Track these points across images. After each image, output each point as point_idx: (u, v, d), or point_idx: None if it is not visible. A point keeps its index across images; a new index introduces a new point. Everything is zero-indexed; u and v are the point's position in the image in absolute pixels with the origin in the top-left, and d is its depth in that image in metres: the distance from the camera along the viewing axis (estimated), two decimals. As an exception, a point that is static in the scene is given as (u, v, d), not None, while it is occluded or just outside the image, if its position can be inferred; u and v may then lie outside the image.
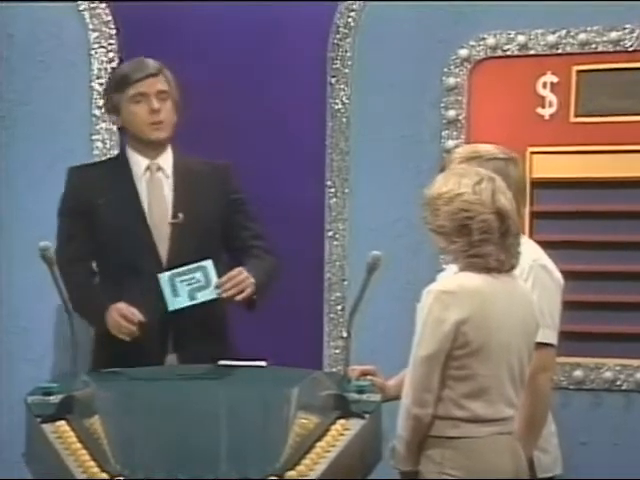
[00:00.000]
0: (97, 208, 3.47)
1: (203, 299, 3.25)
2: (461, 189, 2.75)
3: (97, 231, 3.47)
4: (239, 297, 3.35)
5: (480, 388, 2.74)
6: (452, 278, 2.80)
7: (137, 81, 3.47)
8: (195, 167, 3.54)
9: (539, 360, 2.96)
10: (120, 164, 3.55)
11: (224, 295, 3.32)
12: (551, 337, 3.02)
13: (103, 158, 3.98)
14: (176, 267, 3.39)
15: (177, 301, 3.23)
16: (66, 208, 3.54)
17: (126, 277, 3.44)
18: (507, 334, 2.76)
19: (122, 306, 3.34)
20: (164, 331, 3.42)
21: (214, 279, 3.28)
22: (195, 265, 3.26)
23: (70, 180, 3.57)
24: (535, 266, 3.02)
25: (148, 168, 3.52)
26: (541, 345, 2.97)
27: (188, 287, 3.23)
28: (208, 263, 3.26)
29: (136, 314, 3.32)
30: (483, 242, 2.73)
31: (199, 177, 3.52)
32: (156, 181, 3.51)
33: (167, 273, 3.23)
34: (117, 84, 3.51)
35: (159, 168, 3.53)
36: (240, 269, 3.36)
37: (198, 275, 3.24)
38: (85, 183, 3.54)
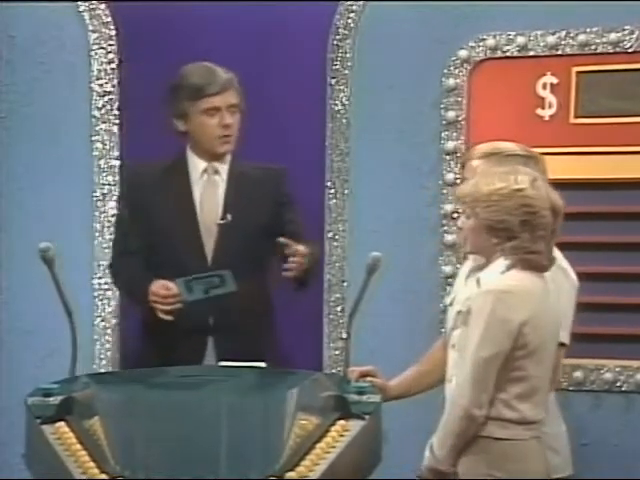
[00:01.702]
0: (151, 206, 3.52)
1: (217, 293, 3.27)
2: (520, 185, 2.76)
3: (150, 227, 3.53)
4: (292, 273, 3.36)
5: (532, 389, 2.76)
6: (508, 278, 2.78)
7: (212, 95, 3.49)
8: (250, 171, 3.59)
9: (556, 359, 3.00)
10: (179, 165, 3.58)
11: (287, 268, 3.34)
12: (564, 337, 3.05)
13: (103, 159, 4.01)
14: (220, 267, 3.43)
15: (190, 296, 3.26)
16: (126, 202, 3.62)
17: (171, 273, 3.45)
18: (551, 334, 2.81)
19: (160, 283, 3.39)
20: (202, 332, 3.45)
21: (230, 283, 3.29)
22: (213, 273, 3.31)
23: (130, 176, 3.65)
24: (555, 270, 3.03)
25: (205, 170, 3.57)
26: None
27: (204, 286, 3.26)
28: (227, 272, 3.28)
29: (172, 287, 3.36)
30: (540, 239, 2.75)
31: (252, 181, 3.56)
32: (211, 183, 3.56)
33: (181, 278, 3.26)
34: (188, 93, 3.51)
35: (216, 171, 3.57)
36: (305, 248, 3.37)
37: (215, 279, 3.27)
38: (141, 181, 3.59)
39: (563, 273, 3.08)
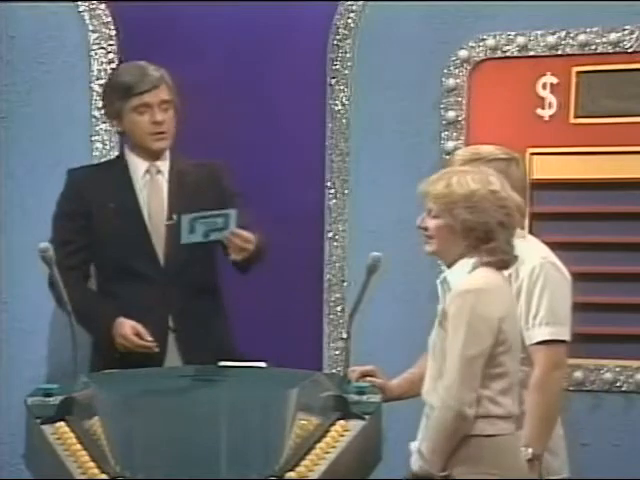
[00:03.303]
0: (95, 210, 3.49)
1: (215, 238, 3.29)
2: (493, 186, 2.77)
3: (95, 233, 3.49)
4: (237, 256, 3.35)
5: (510, 384, 2.77)
6: (478, 276, 2.78)
7: (142, 92, 3.47)
8: (190, 169, 3.56)
9: (552, 357, 3.01)
10: (119, 166, 3.56)
11: (228, 245, 3.33)
12: (564, 334, 3.04)
13: (103, 159, 3.99)
14: (173, 269, 3.43)
15: (191, 237, 3.25)
16: (64, 211, 3.55)
17: (123, 279, 3.46)
18: (520, 331, 2.85)
19: (129, 327, 3.37)
20: (162, 334, 3.43)
21: (232, 227, 3.29)
22: (219, 212, 3.29)
23: (69, 182, 3.58)
24: (546, 264, 3.05)
25: (148, 171, 3.54)
26: (554, 342, 3.01)
27: (205, 227, 3.26)
28: (232, 212, 3.28)
29: (142, 332, 3.37)
30: (511, 238, 2.78)
31: (194, 178, 3.53)
32: (156, 184, 3.53)
33: (190, 215, 3.25)
34: (119, 92, 3.51)
35: (158, 171, 3.55)
36: (250, 234, 3.36)
37: (219, 220, 3.26)
38: (84, 185, 3.56)
39: (555, 269, 3.08)
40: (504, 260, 2.78)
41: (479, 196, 2.75)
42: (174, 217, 3.45)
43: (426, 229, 2.84)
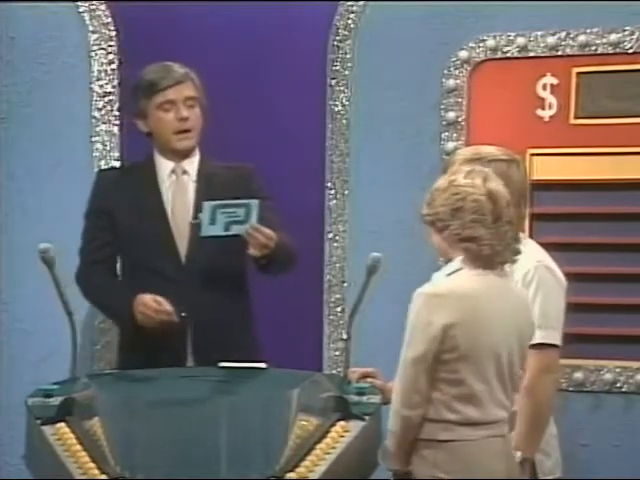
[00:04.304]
0: (120, 209, 3.51)
1: (235, 232, 3.28)
2: (452, 177, 2.80)
3: (119, 232, 3.52)
4: (256, 252, 3.34)
5: (470, 392, 2.73)
6: (445, 280, 2.81)
7: (165, 88, 3.49)
8: (219, 171, 3.57)
9: (543, 361, 2.99)
10: (147, 167, 3.58)
11: (249, 240, 3.31)
12: (555, 338, 3.03)
13: (103, 160, 4.01)
14: (194, 268, 3.44)
15: (211, 229, 3.25)
16: (91, 209, 3.59)
17: (146, 278, 3.47)
18: (497, 336, 2.75)
19: (149, 297, 3.37)
20: (183, 331, 3.43)
21: (253, 219, 3.29)
22: (241, 201, 3.29)
23: (95, 181, 3.62)
24: (540, 267, 3.04)
25: (173, 171, 3.56)
26: (545, 346, 3.00)
27: (227, 219, 3.26)
28: (254, 202, 3.27)
29: (162, 302, 3.37)
30: (475, 223, 2.73)
31: (222, 180, 3.53)
32: (181, 184, 3.55)
33: (212, 202, 3.25)
34: (144, 90, 3.52)
35: (184, 171, 3.56)
36: (270, 231, 3.35)
37: (241, 211, 3.25)
38: (108, 184, 3.59)
39: (550, 272, 3.07)
40: (468, 250, 2.74)
41: (439, 190, 2.78)
42: (199, 216, 3.42)
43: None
